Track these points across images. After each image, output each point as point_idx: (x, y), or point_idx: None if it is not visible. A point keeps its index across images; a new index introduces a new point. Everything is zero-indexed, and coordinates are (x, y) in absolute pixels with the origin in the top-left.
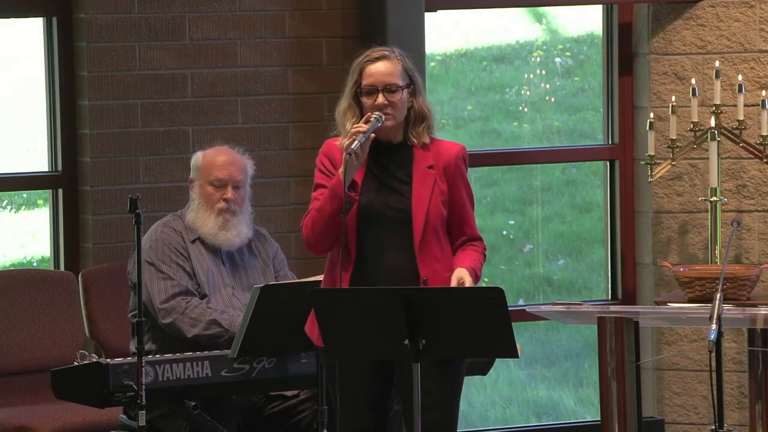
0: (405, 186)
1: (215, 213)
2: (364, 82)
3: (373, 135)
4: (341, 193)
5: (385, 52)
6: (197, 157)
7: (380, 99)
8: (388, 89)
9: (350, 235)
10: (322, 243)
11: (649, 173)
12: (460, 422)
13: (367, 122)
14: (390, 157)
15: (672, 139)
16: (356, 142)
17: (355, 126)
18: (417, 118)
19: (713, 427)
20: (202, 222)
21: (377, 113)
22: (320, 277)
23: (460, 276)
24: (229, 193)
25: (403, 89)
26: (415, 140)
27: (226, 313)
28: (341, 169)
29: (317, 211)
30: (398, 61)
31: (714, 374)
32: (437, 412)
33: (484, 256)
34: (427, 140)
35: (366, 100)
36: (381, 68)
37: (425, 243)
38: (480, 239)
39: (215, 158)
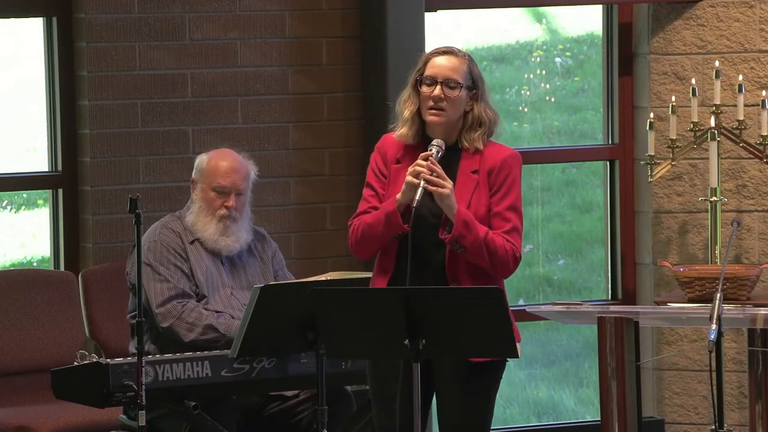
0: None
1: (216, 219)
2: (427, 72)
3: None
4: (395, 222)
5: (455, 50)
6: (201, 159)
7: (437, 91)
8: (448, 84)
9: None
10: (363, 253)
11: (649, 173)
12: None
13: (426, 159)
14: (438, 161)
15: (672, 139)
16: (419, 191)
17: (424, 174)
18: (473, 122)
19: (713, 427)
20: (202, 227)
21: (437, 142)
22: (320, 277)
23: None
24: (231, 201)
25: (462, 88)
26: (467, 144)
27: (222, 317)
28: (398, 197)
29: (368, 227)
30: (465, 61)
31: (714, 374)
32: (466, 414)
33: (505, 250)
34: (480, 146)
35: (425, 89)
36: (445, 62)
37: None
38: (515, 246)
39: (219, 163)
